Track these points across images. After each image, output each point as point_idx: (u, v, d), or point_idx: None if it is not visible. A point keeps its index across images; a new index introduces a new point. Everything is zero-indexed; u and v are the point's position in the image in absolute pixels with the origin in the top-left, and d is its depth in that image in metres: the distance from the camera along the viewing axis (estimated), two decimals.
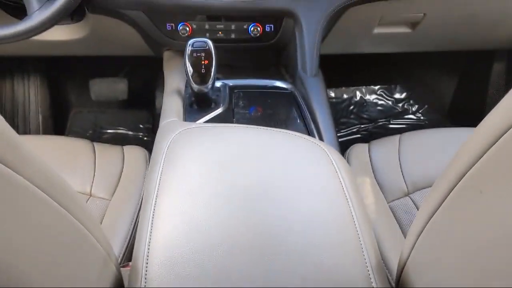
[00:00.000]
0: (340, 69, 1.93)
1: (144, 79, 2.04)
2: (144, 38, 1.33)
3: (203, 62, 1.04)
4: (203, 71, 1.05)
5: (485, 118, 0.47)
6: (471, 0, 1.28)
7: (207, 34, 1.24)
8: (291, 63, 1.27)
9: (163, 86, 1.27)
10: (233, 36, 1.25)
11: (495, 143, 0.41)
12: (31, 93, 1.88)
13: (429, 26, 1.38)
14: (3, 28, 0.97)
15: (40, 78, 1.91)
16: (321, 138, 1.06)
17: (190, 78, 1.06)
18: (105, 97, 1.94)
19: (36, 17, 0.97)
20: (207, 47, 1.04)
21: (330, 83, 1.87)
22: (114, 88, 1.93)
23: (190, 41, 1.05)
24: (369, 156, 1.13)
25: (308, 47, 1.20)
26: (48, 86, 1.93)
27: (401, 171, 1.07)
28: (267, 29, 1.25)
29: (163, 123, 1.03)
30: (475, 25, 1.42)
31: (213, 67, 1.05)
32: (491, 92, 1.85)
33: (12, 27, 0.97)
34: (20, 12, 1.21)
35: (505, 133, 0.40)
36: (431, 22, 1.37)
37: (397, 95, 2.14)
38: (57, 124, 1.95)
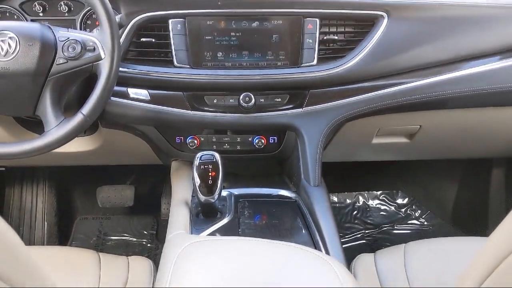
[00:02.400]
0: (341, 174, 1.98)
1: (151, 185, 2.08)
2: (154, 149, 1.40)
3: (210, 174, 1.09)
4: (210, 182, 1.09)
5: (497, 228, 0.48)
6: (464, 115, 1.35)
7: (214, 146, 1.30)
8: (294, 173, 1.32)
9: (170, 193, 1.31)
10: (238, 147, 1.32)
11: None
12: (38, 201, 1.91)
13: (425, 137, 1.45)
14: (23, 144, 1.03)
15: (48, 186, 1.95)
16: (326, 249, 1.06)
17: (198, 189, 1.09)
18: (111, 204, 1.97)
19: (54, 133, 1.03)
20: (215, 160, 1.09)
21: (332, 188, 1.90)
22: (121, 195, 1.97)
23: (198, 154, 1.10)
24: (375, 267, 1.13)
25: (310, 159, 1.25)
26: (56, 194, 1.97)
27: (408, 284, 1.06)
28: (271, 141, 1.32)
29: (170, 236, 1.04)
30: (469, 137, 1.49)
31: (220, 179, 1.09)
32: (492, 197, 1.87)
33: (31, 142, 1.03)
34: (37, 127, 1.28)
35: None
36: (427, 134, 1.43)
37: (399, 200, 2.17)
38: (62, 230, 1.96)
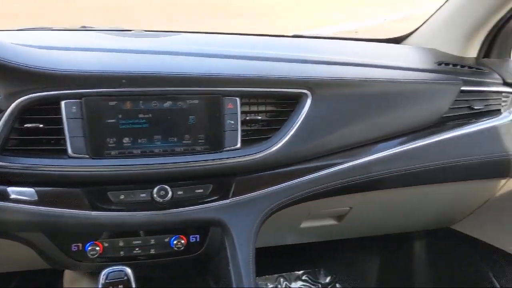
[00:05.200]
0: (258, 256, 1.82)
1: None
2: (43, 258, 1.11)
3: None
4: None
5: None
6: (394, 193, 1.29)
7: (122, 253, 1.05)
8: (222, 276, 1.11)
9: None
10: (153, 251, 1.08)
11: None
12: None
13: (355, 217, 1.36)
14: None
15: None
16: None
17: None
18: None
19: None
20: (126, 278, 0.85)
21: None
22: None
23: (104, 272, 0.86)
24: None
25: (242, 261, 1.06)
26: None
27: None
28: (192, 239, 1.11)
29: None
30: (398, 213, 1.44)
31: None
32: (415, 271, 1.83)
33: None
34: None
35: None
36: (357, 214, 1.35)
37: (322, 280, 2.04)
38: None
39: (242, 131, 1.06)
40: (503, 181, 1.37)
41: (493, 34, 1.37)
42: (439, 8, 1.48)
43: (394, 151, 1.18)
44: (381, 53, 1.44)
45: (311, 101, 1.10)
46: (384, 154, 1.18)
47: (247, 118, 1.08)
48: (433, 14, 1.51)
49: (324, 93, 1.12)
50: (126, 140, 0.99)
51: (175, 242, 1.09)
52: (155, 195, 1.01)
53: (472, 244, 1.58)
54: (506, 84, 1.33)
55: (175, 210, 1.05)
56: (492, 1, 1.28)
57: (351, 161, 1.16)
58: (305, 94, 1.10)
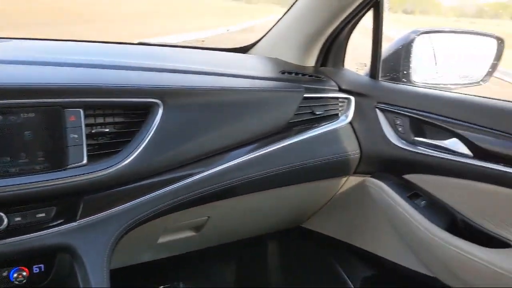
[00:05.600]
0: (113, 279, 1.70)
1: None
2: None
3: None
4: None
5: None
6: (250, 198, 1.31)
7: None
8: None
9: None
10: None
11: None
12: None
13: (213, 226, 1.35)
14: None
15: None
16: None
17: None
18: None
19: None
20: None
21: None
22: None
23: None
24: None
25: (95, 284, 0.96)
26: None
27: None
28: (35, 270, 0.98)
29: None
30: (254, 217, 1.47)
31: None
32: (271, 275, 1.89)
33: None
34: None
35: None
36: (215, 223, 1.34)
37: None
38: None
39: (88, 145, 0.97)
40: (344, 179, 1.49)
41: (328, 44, 1.49)
42: (279, 20, 1.56)
43: (247, 158, 1.20)
44: (229, 62, 1.47)
45: (163, 111, 1.06)
46: (237, 161, 1.19)
47: (93, 131, 0.99)
48: (274, 25, 1.59)
49: (176, 102, 1.09)
50: None
51: (15, 275, 0.94)
52: None
53: (319, 239, 1.69)
54: (341, 90, 1.46)
55: (13, 239, 0.91)
56: (325, 14, 1.39)
57: (206, 170, 1.14)
58: (156, 104, 1.05)
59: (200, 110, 1.14)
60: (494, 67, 1.49)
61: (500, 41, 1.47)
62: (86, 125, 0.97)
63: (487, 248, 1.19)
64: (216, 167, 1.15)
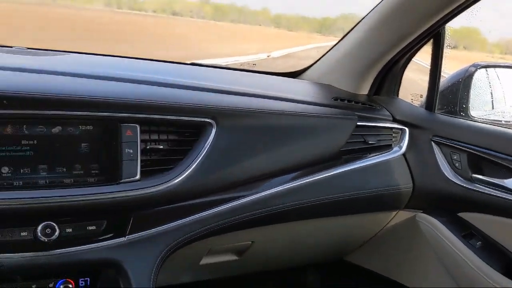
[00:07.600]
0: None
1: None
2: None
3: None
4: None
5: None
6: (295, 226, 1.28)
7: None
8: None
9: None
10: None
11: None
12: None
13: (256, 252, 1.32)
14: None
15: None
16: None
17: None
18: None
19: None
20: None
21: None
22: None
23: None
24: None
25: None
26: None
27: None
28: (81, 283, 0.97)
29: None
30: (298, 247, 1.43)
31: None
32: None
33: None
34: None
35: None
36: (258, 249, 1.31)
37: None
38: None
39: (142, 161, 0.97)
40: (393, 213, 1.43)
41: (383, 73, 1.46)
42: (333, 47, 1.54)
43: (296, 184, 1.18)
44: (281, 87, 1.45)
45: (216, 131, 1.05)
46: (286, 187, 1.16)
47: (148, 147, 0.99)
48: (327, 52, 1.57)
49: (229, 123, 1.08)
50: (5, 170, 0.85)
51: (61, 287, 0.94)
52: (39, 234, 0.87)
53: (363, 274, 1.62)
54: (395, 120, 1.42)
55: (61, 250, 0.91)
56: (383, 44, 1.37)
57: (254, 194, 1.12)
58: (210, 124, 1.05)
59: (253, 132, 1.13)
60: None
61: None
62: (141, 141, 0.97)
63: None
64: (264, 190, 1.13)
